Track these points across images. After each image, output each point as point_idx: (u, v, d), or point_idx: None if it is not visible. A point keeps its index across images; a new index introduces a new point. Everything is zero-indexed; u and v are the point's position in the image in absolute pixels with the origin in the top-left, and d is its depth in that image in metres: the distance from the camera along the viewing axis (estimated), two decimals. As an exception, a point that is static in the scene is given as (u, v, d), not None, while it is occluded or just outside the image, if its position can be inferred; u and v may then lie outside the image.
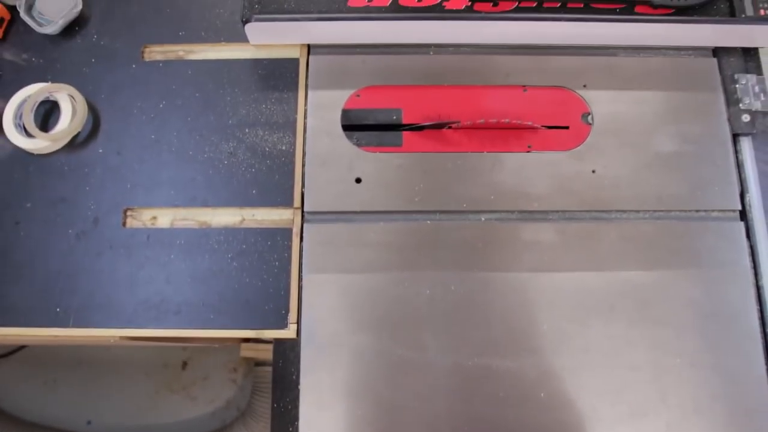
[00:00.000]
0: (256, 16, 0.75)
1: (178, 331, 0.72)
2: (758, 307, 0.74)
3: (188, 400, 1.27)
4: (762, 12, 0.78)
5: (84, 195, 0.76)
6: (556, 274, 0.73)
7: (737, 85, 0.81)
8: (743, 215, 0.77)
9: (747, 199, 0.78)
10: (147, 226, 0.75)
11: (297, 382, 0.70)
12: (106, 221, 0.75)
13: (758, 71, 0.83)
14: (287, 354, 0.72)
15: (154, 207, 0.76)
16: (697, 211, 0.77)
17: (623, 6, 0.78)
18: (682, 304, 0.73)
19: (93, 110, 0.79)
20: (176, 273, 0.73)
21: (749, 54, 0.83)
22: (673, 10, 0.78)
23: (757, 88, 0.81)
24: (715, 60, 0.82)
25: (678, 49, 0.83)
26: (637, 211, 0.76)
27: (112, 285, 0.73)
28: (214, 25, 0.82)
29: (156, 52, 0.81)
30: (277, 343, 0.72)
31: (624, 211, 0.76)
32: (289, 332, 0.71)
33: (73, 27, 0.82)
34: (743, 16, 0.77)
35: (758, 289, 0.75)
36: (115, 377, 1.27)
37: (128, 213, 0.76)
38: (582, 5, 0.78)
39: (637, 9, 0.78)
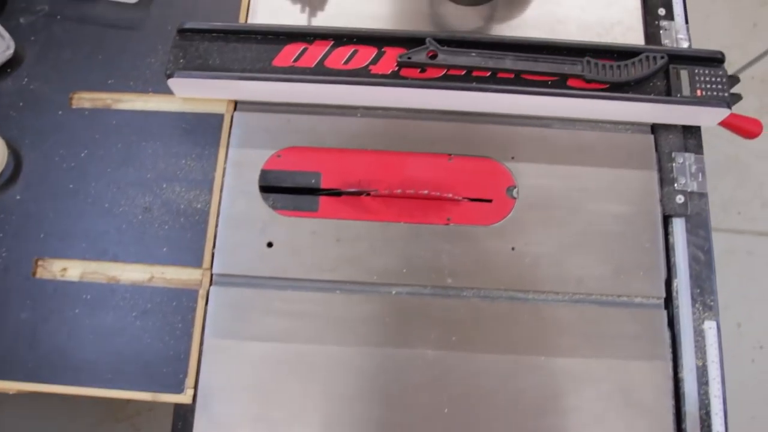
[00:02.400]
0: (178, 72, 0.75)
1: (76, 389, 0.71)
2: (673, 403, 0.70)
3: (132, 430, 1.27)
4: (699, 92, 0.75)
5: (-4, 242, 0.76)
6: (465, 355, 0.71)
7: (674, 164, 0.79)
8: (667, 302, 0.74)
9: (674, 285, 0.75)
10: (57, 277, 0.74)
11: (189, 450, 0.69)
12: (15, 270, 0.75)
13: (698, 150, 0.80)
14: (186, 417, 0.71)
15: (65, 258, 0.75)
16: (619, 296, 0.74)
17: (555, 78, 0.76)
18: (594, 395, 0.70)
19: (16, 155, 0.79)
20: (79, 329, 0.72)
21: (690, 131, 0.80)
22: (607, 86, 0.75)
23: (694, 168, 0.78)
24: (651, 137, 0.79)
25: (614, 122, 0.80)
26: (556, 293, 0.74)
27: (14, 336, 0.72)
28: (144, 75, 0.82)
29: (84, 99, 0.81)
30: (177, 404, 0.71)
31: (542, 292, 0.74)
32: (184, 397, 0.70)
33: (5, 69, 0.82)
34: (679, 95, 0.75)
35: (676, 382, 0.71)
36: (59, 406, 1.27)
37: (39, 263, 0.75)
38: (512, 76, 0.76)
39: (570, 82, 0.76)
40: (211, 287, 0.73)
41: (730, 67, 1.61)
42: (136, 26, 0.84)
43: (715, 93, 0.75)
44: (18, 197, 0.77)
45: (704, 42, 1.63)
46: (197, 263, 0.74)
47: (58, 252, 0.75)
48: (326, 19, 0.84)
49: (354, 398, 0.70)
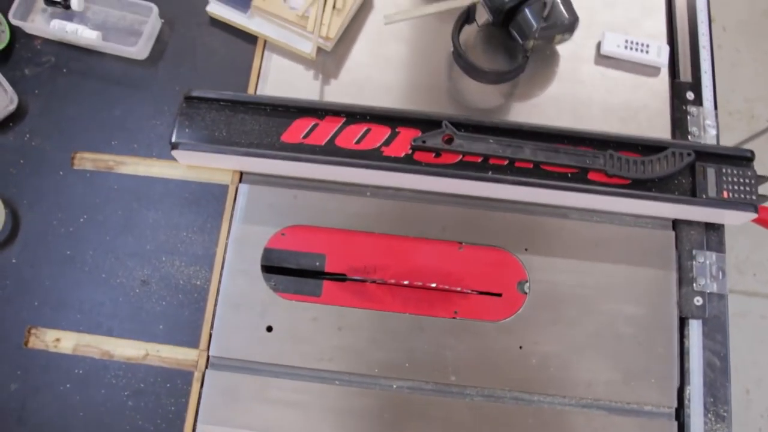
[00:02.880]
0: (183, 144, 0.72)
1: (62, 469, 0.69)
2: None
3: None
4: (725, 194, 0.71)
5: (-11, 308, 0.74)
6: (464, 458, 0.69)
7: (694, 262, 0.75)
8: (678, 413, 0.71)
9: (687, 392, 0.72)
10: (49, 348, 0.72)
11: None
12: (7, 338, 0.73)
13: (720, 248, 0.76)
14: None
15: (59, 329, 0.73)
16: (628, 403, 0.71)
17: (576, 171, 0.72)
18: None
19: (14, 215, 0.77)
20: (69, 405, 0.70)
21: (713, 228, 0.77)
22: (629, 181, 0.72)
23: (715, 268, 0.75)
24: (672, 234, 0.76)
25: (635, 216, 0.77)
26: (563, 396, 0.71)
27: (2, 408, 0.70)
28: (148, 138, 0.79)
29: (86, 160, 0.78)
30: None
31: (548, 395, 0.71)
32: (174, 486, 0.68)
33: (8, 122, 0.80)
34: (704, 196, 0.71)
35: (683, 498, 0.69)
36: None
37: (32, 332, 0.73)
38: (531, 165, 0.72)
39: (591, 176, 0.72)
40: (207, 370, 0.71)
41: (756, 121, 1.56)
42: (144, 84, 0.81)
43: (742, 195, 0.71)
44: (14, 260, 0.75)
45: (729, 94, 1.59)
46: (194, 343, 0.72)
47: (52, 322, 0.73)
48: (340, 87, 0.81)
49: (347, 498, 0.68)
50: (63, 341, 0.73)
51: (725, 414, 0.72)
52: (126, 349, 0.72)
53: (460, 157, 0.72)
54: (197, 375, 0.71)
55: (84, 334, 0.73)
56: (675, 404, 0.71)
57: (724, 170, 0.72)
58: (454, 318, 0.72)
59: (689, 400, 0.72)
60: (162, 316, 0.73)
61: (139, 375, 0.71)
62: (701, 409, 0.71)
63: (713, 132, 0.81)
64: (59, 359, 0.72)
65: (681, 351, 0.73)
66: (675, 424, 0.71)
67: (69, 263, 0.75)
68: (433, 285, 0.72)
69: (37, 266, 0.75)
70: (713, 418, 0.71)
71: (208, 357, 0.72)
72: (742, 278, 1.41)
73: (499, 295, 0.73)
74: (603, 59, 0.82)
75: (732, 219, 0.74)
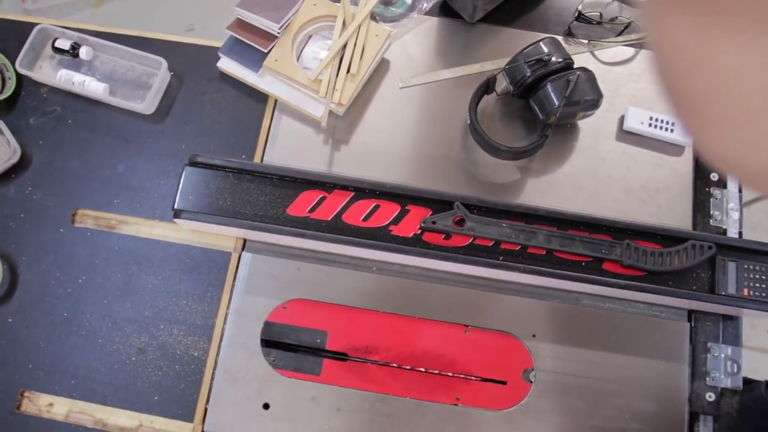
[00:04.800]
0: (186, 213, 0.70)
1: None
2: None
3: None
4: (746, 291, 0.68)
5: (-17, 369, 0.72)
6: None
7: (708, 356, 0.72)
8: None
9: (693, 493, 0.69)
10: (42, 413, 0.71)
11: None
12: (0, 401, 0.71)
13: (736, 341, 0.74)
14: None
15: (53, 394, 0.72)
16: (632, 503, 0.69)
17: (590, 260, 0.69)
18: None
19: (12, 271, 0.75)
20: (59, 476, 0.69)
21: (730, 320, 0.74)
22: (644, 273, 0.69)
23: (730, 363, 0.72)
24: (687, 325, 0.73)
25: (650, 304, 0.74)
26: (564, 492, 0.69)
27: (-7, 477, 0.69)
28: (151, 198, 0.77)
29: (88, 218, 0.77)
30: None
31: (549, 490, 0.69)
32: None
33: (10, 174, 0.78)
34: (723, 294, 0.68)
35: None
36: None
37: (25, 395, 0.72)
38: (544, 252, 0.70)
39: (606, 266, 0.70)
40: (200, 446, 0.70)
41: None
42: (150, 141, 0.79)
43: (764, 293, 0.68)
44: (10, 320, 0.74)
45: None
46: (188, 417, 0.70)
47: (45, 386, 0.72)
48: (350, 154, 0.79)
49: None
50: (56, 406, 0.71)
51: None
52: (120, 419, 0.71)
53: (471, 239, 0.70)
54: (190, 451, 0.69)
55: (77, 401, 0.71)
56: (680, 507, 0.69)
57: (746, 266, 0.69)
58: (456, 405, 0.70)
59: (696, 502, 0.69)
60: (157, 387, 0.71)
61: (132, 447, 0.70)
62: None
63: (736, 216, 0.77)
64: (51, 426, 0.71)
65: (690, 448, 0.71)
66: None
67: (65, 325, 0.73)
68: (437, 372, 0.70)
69: (33, 327, 0.74)
70: None
71: (202, 432, 0.70)
72: (755, 333, 1.38)
73: (504, 383, 0.71)
74: (625, 135, 0.79)
75: (752, 315, 0.71)
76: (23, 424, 0.71)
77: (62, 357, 0.73)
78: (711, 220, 0.77)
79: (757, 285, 0.69)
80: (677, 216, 0.77)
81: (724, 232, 0.77)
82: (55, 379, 0.72)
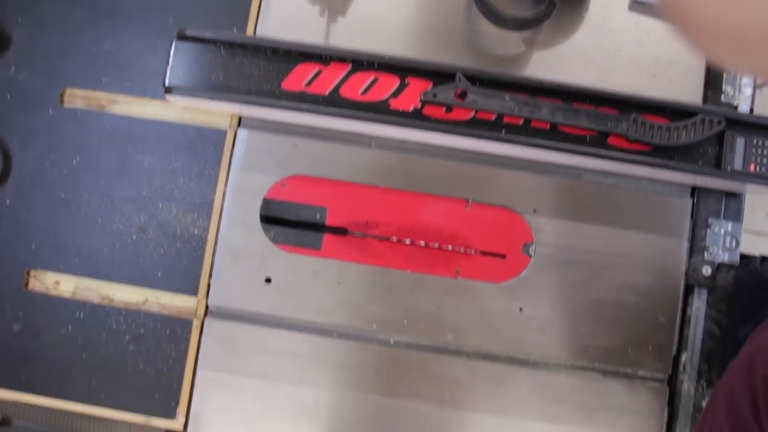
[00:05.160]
0: (177, 89, 0.67)
1: (70, 404, 0.72)
2: (658, 481, 0.71)
3: None
4: (752, 166, 0.67)
5: (-13, 249, 0.73)
6: (457, 413, 0.71)
7: (708, 231, 0.73)
8: (671, 380, 0.72)
9: (682, 359, 0.72)
10: (50, 291, 0.73)
11: (178, 476, 0.71)
12: (7, 280, 0.73)
13: (737, 217, 0.73)
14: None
15: (58, 272, 0.73)
16: (623, 370, 0.71)
17: (594, 134, 0.68)
18: (578, 466, 0.70)
19: (5, 154, 0.74)
20: (72, 347, 0.72)
21: (732, 197, 0.73)
22: (650, 147, 0.68)
23: (729, 238, 0.73)
24: (690, 201, 0.73)
25: (652, 180, 0.73)
26: (558, 360, 0.71)
27: (7, 347, 0.72)
28: (141, 75, 0.74)
29: (77, 98, 0.74)
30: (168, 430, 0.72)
31: (544, 357, 0.71)
32: (176, 423, 0.71)
33: (-8, 52, 0.75)
34: (730, 169, 0.67)
35: (666, 458, 0.71)
36: None
37: (31, 274, 0.73)
38: (548, 126, 0.68)
39: (611, 140, 0.68)
40: (206, 319, 0.71)
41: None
42: (135, 15, 0.75)
43: (770, 168, 0.67)
44: (8, 202, 0.73)
45: None
46: (192, 291, 0.72)
47: (50, 265, 0.73)
48: (347, 27, 0.75)
49: (342, 445, 0.70)
50: (62, 284, 0.73)
51: (716, 381, 0.72)
52: (125, 294, 0.72)
53: (473, 113, 0.68)
54: (196, 323, 0.71)
55: (83, 278, 0.73)
56: (670, 371, 0.72)
57: (755, 141, 0.67)
58: (455, 278, 0.71)
59: (684, 367, 0.72)
60: (160, 264, 0.72)
61: (139, 320, 0.72)
62: (695, 376, 0.72)
63: (749, 92, 0.75)
64: (59, 303, 0.72)
65: (682, 318, 0.73)
66: (667, 389, 0.71)
67: (64, 207, 0.73)
68: (437, 246, 0.70)
69: (32, 209, 0.73)
70: (704, 385, 0.72)
71: (206, 306, 0.72)
72: (753, 217, 1.39)
73: (504, 256, 0.72)
74: (638, 5, 0.75)
75: (756, 191, 0.70)
76: (32, 302, 0.72)
77: (64, 237, 0.73)
78: (722, 96, 0.74)
79: (765, 161, 0.68)
80: (687, 92, 0.74)
81: (735, 108, 0.74)
82: (59, 257, 0.73)
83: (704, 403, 0.71)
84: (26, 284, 0.73)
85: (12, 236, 0.73)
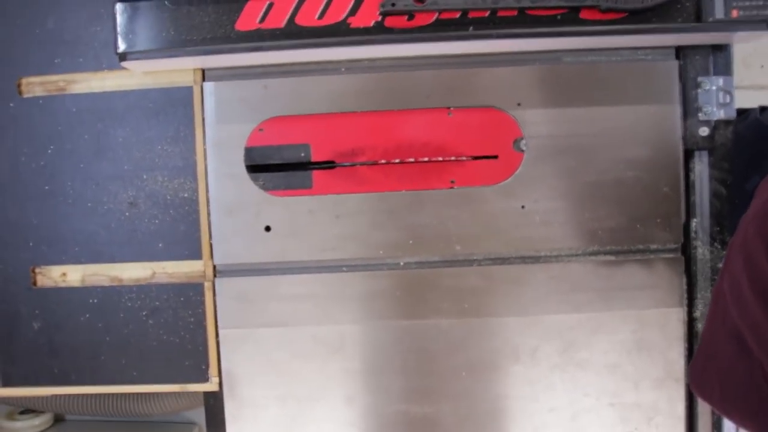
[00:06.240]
0: (131, 54, 0.65)
1: (105, 388, 0.74)
2: (686, 345, 0.71)
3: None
4: (734, 13, 0.64)
5: (-13, 254, 0.73)
6: (478, 320, 0.71)
7: (699, 91, 0.70)
8: (685, 247, 0.72)
9: (693, 225, 0.71)
10: (58, 284, 0.73)
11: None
12: (15, 281, 0.73)
13: (727, 70, 0.71)
14: (216, 404, 0.74)
15: (62, 264, 0.73)
16: (635, 247, 0.71)
17: (565, 11, 0.65)
18: (606, 347, 0.71)
19: (-21, 157, 0.73)
20: (94, 333, 0.72)
21: (719, 51, 0.70)
22: (625, 14, 0.65)
23: (722, 94, 0.70)
24: (676, 63, 0.70)
25: (634, 48, 0.70)
26: (569, 249, 0.71)
27: (32, 346, 0.73)
28: (92, 48, 0.71)
29: (35, 85, 0.72)
30: (206, 395, 0.74)
31: (554, 250, 0.71)
32: (211, 386, 0.73)
33: (-64, 56, 0.72)
34: (711, 19, 0.64)
35: (690, 322, 0.72)
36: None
37: (36, 271, 0.73)
38: (516, 13, 0.65)
39: (583, 14, 0.65)
40: (216, 279, 0.72)
41: None
42: (70, -14, 0.71)
43: (754, 11, 0.64)
44: (-6, 204, 0.73)
45: None
46: (197, 255, 0.72)
47: (53, 258, 0.73)
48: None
49: (373, 372, 0.72)
50: (69, 274, 0.73)
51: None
52: (133, 272, 0.72)
53: (436, 15, 0.65)
54: (207, 285, 0.72)
55: (89, 265, 0.73)
56: (682, 240, 0.71)
57: (732, -18, 0.64)
58: (451, 188, 0.70)
59: (696, 233, 0.71)
60: (159, 235, 0.72)
61: (152, 294, 0.72)
62: (708, 239, 0.71)
63: (720, -66, 0.70)
64: (71, 293, 0.73)
65: (686, 184, 0.71)
66: (682, 259, 0.71)
67: (50, 198, 0.72)
68: (426, 159, 0.69)
69: (20, 206, 0.73)
70: (719, 246, 0.71)
71: (214, 266, 0.72)
72: (748, 72, 1.35)
73: (495, 157, 0.70)
74: None
75: (743, 39, 0.67)
76: (45, 297, 0.73)
77: (58, 228, 0.72)
78: (693, -56, 0.70)
79: (747, 3, 0.64)
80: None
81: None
82: (60, 249, 0.73)
83: (721, 265, 0.71)
84: (34, 282, 0.73)
85: (8, 237, 0.73)
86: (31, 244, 0.73)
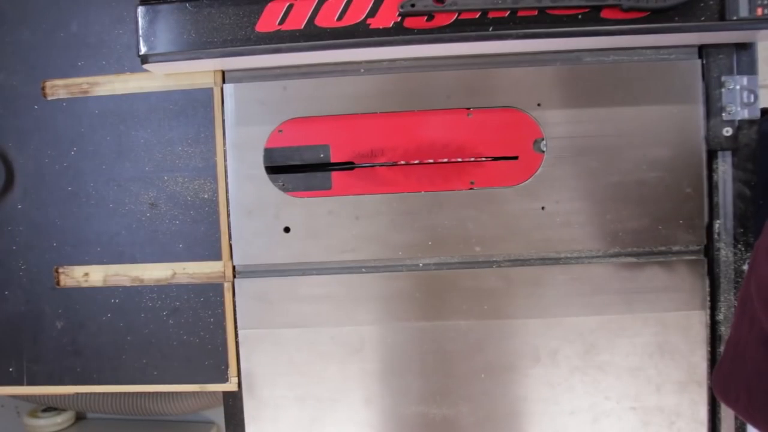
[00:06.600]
0: (153, 57, 0.66)
1: (126, 387, 0.74)
2: (708, 349, 0.70)
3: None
4: (759, 11, 0.63)
5: (12, 255, 0.74)
6: (498, 322, 0.71)
7: (723, 90, 0.69)
8: (708, 249, 0.71)
9: (716, 227, 0.70)
10: (81, 284, 0.74)
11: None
12: (39, 281, 0.74)
13: (751, 69, 0.70)
14: (235, 404, 0.74)
15: (85, 264, 0.74)
16: (657, 248, 0.70)
17: (586, 10, 0.64)
18: (628, 349, 0.70)
19: (4, 160, 0.74)
20: (116, 333, 0.73)
21: (743, 49, 0.69)
22: (647, 13, 0.64)
23: (746, 93, 0.69)
24: (699, 62, 0.69)
25: (656, 48, 0.70)
26: (590, 251, 0.71)
27: (57, 345, 0.74)
28: (115, 51, 0.72)
29: (59, 88, 0.73)
30: (225, 395, 0.74)
31: (575, 252, 0.71)
32: (230, 386, 0.73)
33: (-37, 60, 0.74)
34: (735, 18, 0.63)
35: (713, 325, 0.71)
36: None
37: (60, 271, 0.74)
38: (536, 12, 0.64)
39: (604, 14, 0.64)
40: (236, 279, 0.72)
41: None
42: (94, -10, 0.72)
43: (779, 6, 0.63)
44: (19, 206, 0.74)
45: None
46: (216, 256, 0.72)
47: (76, 258, 0.74)
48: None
49: (391, 373, 0.72)
50: (92, 275, 0.74)
51: (754, 241, 0.71)
52: (154, 272, 0.73)
53: (456, 15, 0.64)
54: (227, 285, 0.72)
55: (110, 265, 0.74)
56: (704, 241, 0.70)
57: (757, -21, 0.63)
58: (471, 189, 0.70)
59: (719, 235, 0.70)
60: (179, 235, 0.72)
61: (173, 294, 0.73)
62: (731, 241, 0.70)
63: (743, -69, 0.69)
64: (94, 293, 0.74)
65: (709, 185, 0.70)
66: (705, 261, 0.70)
67: (73, 199, 0.73)
68: (445, 160, 0.69)
69: (44, 208, 0.74)
70: (743, 248, 0.70)
71: (233, 267, 0.72)
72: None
73: (516, 157, 0.70)
74: None
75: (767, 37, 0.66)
76: (68, 297, 0.74)
77: (82, 229, 0.73)
78: (716, -58, 0.69)
79: (772, -3, 0.63)
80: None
81: (732, -47, 0.69)
82: (83, 249, 0.74)
83: (745, 267, 0.70)
84: (58, 282, 0.74)
85: (32, 238, 0.74)
86: (54, 244, 0.74)
